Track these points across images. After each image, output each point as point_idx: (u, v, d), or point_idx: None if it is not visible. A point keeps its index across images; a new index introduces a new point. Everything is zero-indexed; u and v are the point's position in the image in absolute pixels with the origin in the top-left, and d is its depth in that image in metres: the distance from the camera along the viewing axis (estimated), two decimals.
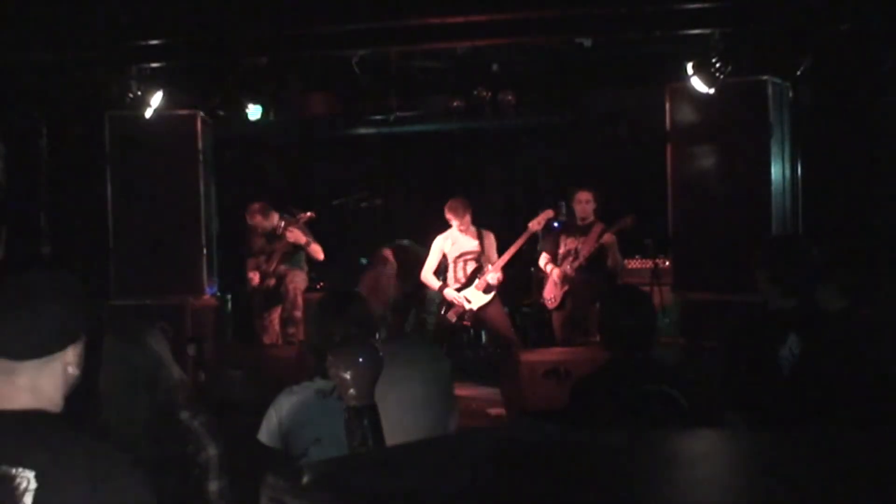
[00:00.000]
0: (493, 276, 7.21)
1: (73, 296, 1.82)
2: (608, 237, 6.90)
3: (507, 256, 7.27)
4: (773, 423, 2.89)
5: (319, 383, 2.85)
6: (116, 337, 3.00)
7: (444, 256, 7.45)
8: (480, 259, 7.31)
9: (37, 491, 1.61)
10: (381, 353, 2.01)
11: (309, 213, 7.84)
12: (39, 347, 1.73)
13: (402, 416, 1.70)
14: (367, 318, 3.07)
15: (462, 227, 7.27)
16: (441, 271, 7.66)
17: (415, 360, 1.79)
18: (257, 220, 7.74)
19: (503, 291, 7.45)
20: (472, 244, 7.33)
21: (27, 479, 1.62)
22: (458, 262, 7.39)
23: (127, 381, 2.96)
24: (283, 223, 7.80)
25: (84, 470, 1.65)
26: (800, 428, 2.83)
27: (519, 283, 8.40)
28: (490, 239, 7.37)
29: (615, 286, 6.68)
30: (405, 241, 7.69)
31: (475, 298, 7.28)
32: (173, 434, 2.97)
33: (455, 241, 7.39)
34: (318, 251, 7.88)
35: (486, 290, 7.25)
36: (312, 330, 3.01)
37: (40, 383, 1.74)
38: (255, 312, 7.96)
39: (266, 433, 2.87)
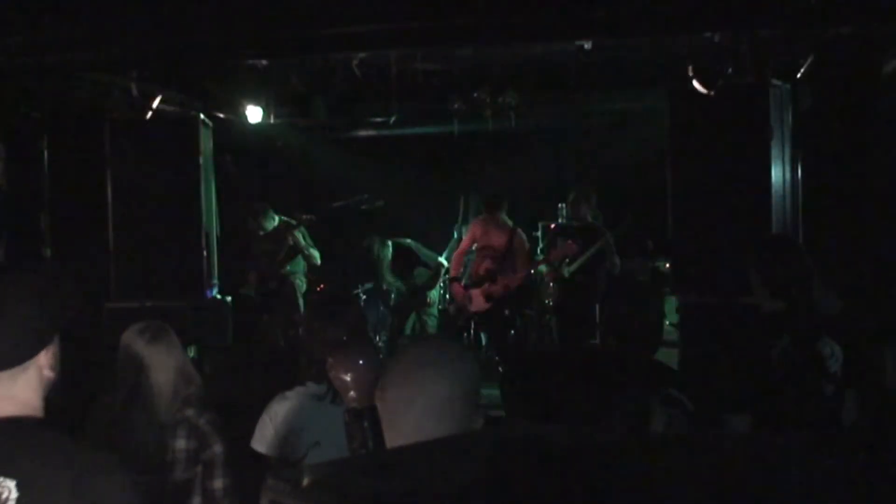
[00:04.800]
0: (498, 284, 7.23)
1: (42, 298, 1.77)
2: (605, 240, 6.91)
3: (516, 282, 7.29)
4: (770, 424, 2.89)
5: (313, 388, 2.84)
6: (143, 340, 3.01)
7: (475, 241, 7.47)
8: (502, 259, 7.30)
9: (18, 499, 1.60)
10: (380, 356, 2.01)
11: (308, 216, 7.84)
12: (12, 357, 1.70)
13: (426, 425, 1.68)
14: (362, 321, 3.07)
15: (493, 222, 7.28)
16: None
17: (441, 360, 1.76)
18: (259, 220, 7.75)
19: (506, 294, 7.45)
20: (500, 240, 7.32)
21: (8, 489, 1.61)
22: (481, 253, 7.40)
23: (155, 384, 2.98)
24: (282, 226, 7.81)
25: (65, 476, 1.64)
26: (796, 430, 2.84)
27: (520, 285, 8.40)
28: (521, 240, 7.36)
29: (618, 287, 6.68)
30: (408, 240, 7.71)
31: (476, 302, 7.29)
32: (180, 432, 2.98)
33: (486, 231, 7.40)
34: (314, 257, 7.88)
35: (488, 297, 7.26)
36: (307, 334, 3.00)
37: (17, 391, 1.72)
38: (257, 315, 7.97)
39: (260, 440, 2.85)
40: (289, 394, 2.90)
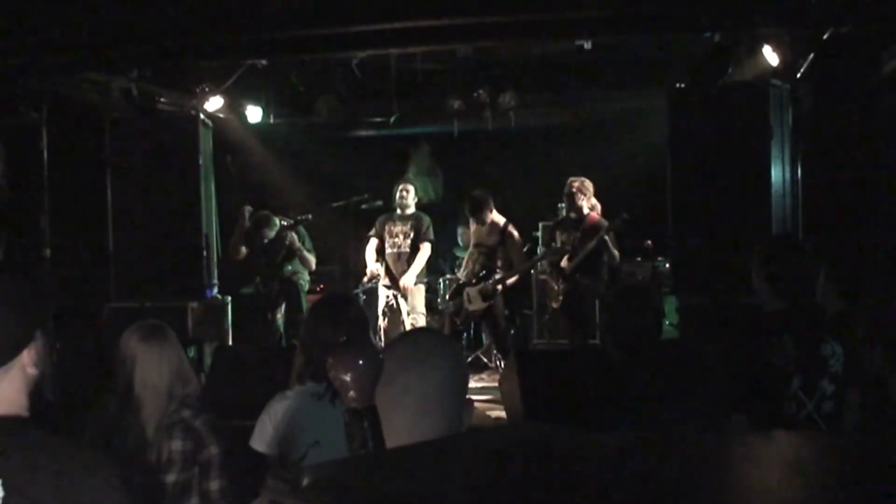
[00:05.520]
0: (493, 282, 7.22)
1: (20, 298, 1.77)
2: (602, 234, 6.88)
3: (511, 278, 7.29)
4: (771, 424, 2.89)
5: (312, 387, 2.83)
6: (140, 340, 3.01)
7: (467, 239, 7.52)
8: (495, 255, 7.30)
9: (4, 498, 1.60)
10: (381, 355, 2.01)
11: (303, 217, 7.84)
12: None
13: (419, 414, 1.69)
14: (363, 320, 3.06)
15: (479, 222, 7.28)
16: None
17: (433, 354, 1.77)
18: (262, 231, 7.74)
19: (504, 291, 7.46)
20: (490, 237, 7.32)
21: None
22: (475, 251, 7.41)
23: (149, 383, 2.98)
24: (281, 227, 7.80)
25: (51, 473, 1.63)
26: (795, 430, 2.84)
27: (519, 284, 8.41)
28: (512, 235, 7.35)
29: (619, 287, 6.69)
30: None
31: (475, 301, 7.29)
32: (175, 434, 2.98)
33: (474, 231, 7.42)
34: (308, 260, 7.87)
35: (486, 297, 7.27)
36: (307, 334, 3.00)
37: (2, 391, 1.71)
38: (260, 314, 7.97)
39: (259, 439, 2.84)
40: (289, 393, 2.89)
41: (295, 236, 7.80)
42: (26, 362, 1.75)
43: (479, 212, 7.21)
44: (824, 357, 2.92)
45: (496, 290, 7.23)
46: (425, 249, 7.62)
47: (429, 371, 1.71)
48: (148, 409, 2.96)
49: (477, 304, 7.29)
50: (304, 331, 3.04)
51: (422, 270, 7.69)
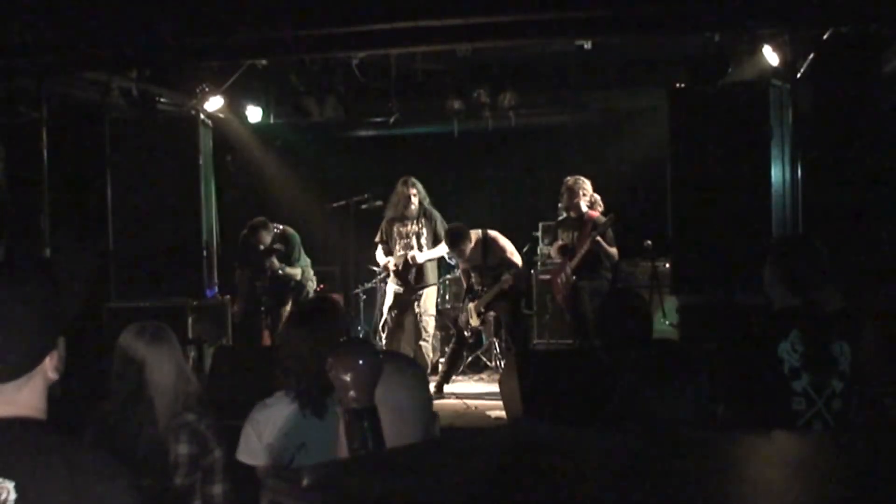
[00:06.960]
0: (478, 305, 7.31)
1: (42, 305, 1.73)
2: (596, 237, 6.89)
3: (489, 296, 7.34)
4: (772, 420, 2.89)
5: (290, 391, 2.78)
6: (143, 341, 3.00)
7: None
8: (486, 269, 7.34)
9: (17, 501, 1.59)
10: (380, 356, 2.02)
11: (277, 246, 7.85)
12: (17, 369, 1.68)
13: (398, 422, 1.77)
14: (334, 329, 2.94)
15: (461, 254, 7.30)
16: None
17: (398, 371, 1.88)
18: (259, 236, 7.73)
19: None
20: (477, 255, 7.34)
21: (7, 490, 1.59)
22: (470, 270, 7.45)
23: (160, 387, 2.97)
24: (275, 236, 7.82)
25: (65, 478, 1.62)
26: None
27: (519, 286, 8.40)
28: (496, 242, 7.34)
29: (613, 289, 6.69)
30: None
31: (472, 317, 7.38)
32: (182, 437, 2.97)
33: (464, 258, 7.47)
34: (291, 275, 7.87)
35: (479, 314, 7.36)
36: (281, 340, 2.99)
37: (22, 396, 1.69)
38: (264, 313, 7.98)
39: (246, 452, 2.80)
40: (269, 401, 2.83)
41: (275, 260, 7.78)
42: (48, 367, 1.74)
43: (459, 244, 7.22)
44: (834, 355, 2.93)
45: (484, 310, 7.35)
46: (443, 244, 7.66)
47: (396, 387, 1.89)
48: (158, 411, 2.95)
49: (475, 321, 7.40)
50: (280, 337, 3.02)
51: (433, 272, 7.73)
